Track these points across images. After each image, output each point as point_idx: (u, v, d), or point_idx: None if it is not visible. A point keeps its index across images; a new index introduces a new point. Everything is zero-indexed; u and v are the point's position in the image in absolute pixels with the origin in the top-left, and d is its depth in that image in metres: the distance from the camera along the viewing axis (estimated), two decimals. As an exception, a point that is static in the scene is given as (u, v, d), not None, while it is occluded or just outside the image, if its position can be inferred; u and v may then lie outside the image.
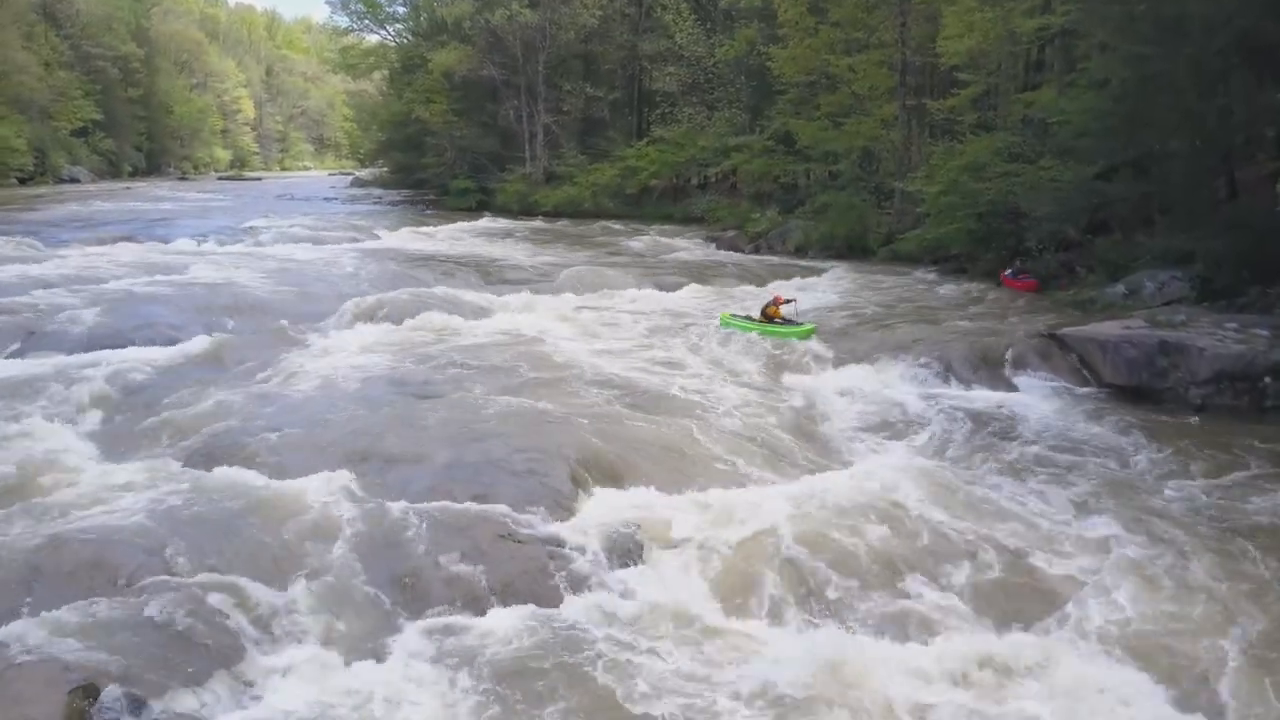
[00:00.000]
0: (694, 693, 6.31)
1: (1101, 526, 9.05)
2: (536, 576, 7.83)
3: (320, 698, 6.20)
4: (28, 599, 6.94)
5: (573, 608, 7.40)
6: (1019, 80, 27.43)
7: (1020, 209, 21.41)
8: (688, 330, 17.66)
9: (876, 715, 6.04)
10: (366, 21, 57.50)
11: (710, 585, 7.81)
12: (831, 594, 7.63)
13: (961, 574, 7.99)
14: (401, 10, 56.81)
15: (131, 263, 24.52)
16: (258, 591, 7.19)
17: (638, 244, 33.78)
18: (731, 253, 30.46)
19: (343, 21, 60.36)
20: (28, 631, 6.39)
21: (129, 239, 30.79)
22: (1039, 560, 8.34)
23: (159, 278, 21.96)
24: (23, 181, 69.18)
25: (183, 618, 6.77)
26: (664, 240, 34.71)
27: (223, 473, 9.56)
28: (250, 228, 35.75)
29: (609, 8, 48.23)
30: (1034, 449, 11.51)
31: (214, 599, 7.02)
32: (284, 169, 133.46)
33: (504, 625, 7.04)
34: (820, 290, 22.21)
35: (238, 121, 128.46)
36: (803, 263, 27.11)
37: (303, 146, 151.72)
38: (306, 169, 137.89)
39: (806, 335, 16.11)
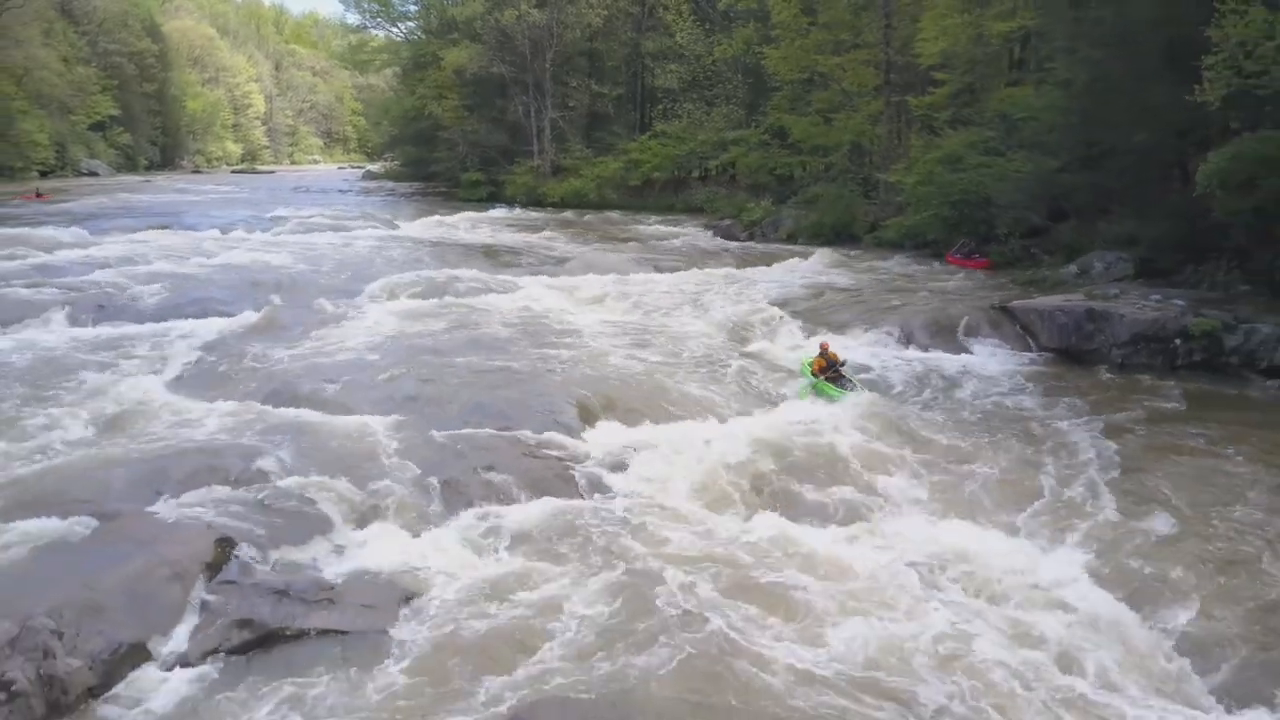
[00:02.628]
0: (670, 555, 8.36)
1: (1015, 447, 11.19)
2: (553, 480, 9.93)
3: (394, 558, 8.26)
4: (164, 489, 9.03)
5: (582, 501, 9.49)
6: (1004, 78, 29.27)
7: (990, 198, 23.39)
8: (680, 305, 19.77)
9: (805, 572, 8.07)
10: (379, 20, 59.55)
11: (684, 486, 9.87)
12: (777, 491, 9.77)
13: (885, 480, 10.12)
14: (413, 8, 58.85)
15: (172, 248, 26.61)
16: (338, 488, 9.27)
17: (640, 232, 35.87)
18: (727, 240, 32.48)
19: (355, 19, 62.46)
20: (171, 508, 8.52)
21: (163, 227, 32.83)
22: (954, 471, 10.46)
23: (201, 261, 24.08)
24: (43, 175, 71.08)
25: (283, 503, 8.89)
26: (664, 229, 36.76)
27: (294, 411, 11.74)
28: (275, 217, 37.87)
29: (613, 7, 50.25)
30: (970, 396, 13.65)
31: (306, 492, 9.12)
32: (294, 163, 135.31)
33: (530, 511, 9.13)
34: (805, 272, 24.25)
35: (248, 116, 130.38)
36: (793, 249, 29.11)
37: (312, 140, 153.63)
38: (316, 162, 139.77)
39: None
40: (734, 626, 6.89)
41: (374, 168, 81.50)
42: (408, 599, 7.43)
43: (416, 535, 8.78)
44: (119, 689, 6.17)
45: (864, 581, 7.75)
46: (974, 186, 23.82)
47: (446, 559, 8.22)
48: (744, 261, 26.71)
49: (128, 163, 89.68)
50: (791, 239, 31.08)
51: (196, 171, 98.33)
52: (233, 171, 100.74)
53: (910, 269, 24.08)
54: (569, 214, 44.89)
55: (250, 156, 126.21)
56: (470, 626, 7.01)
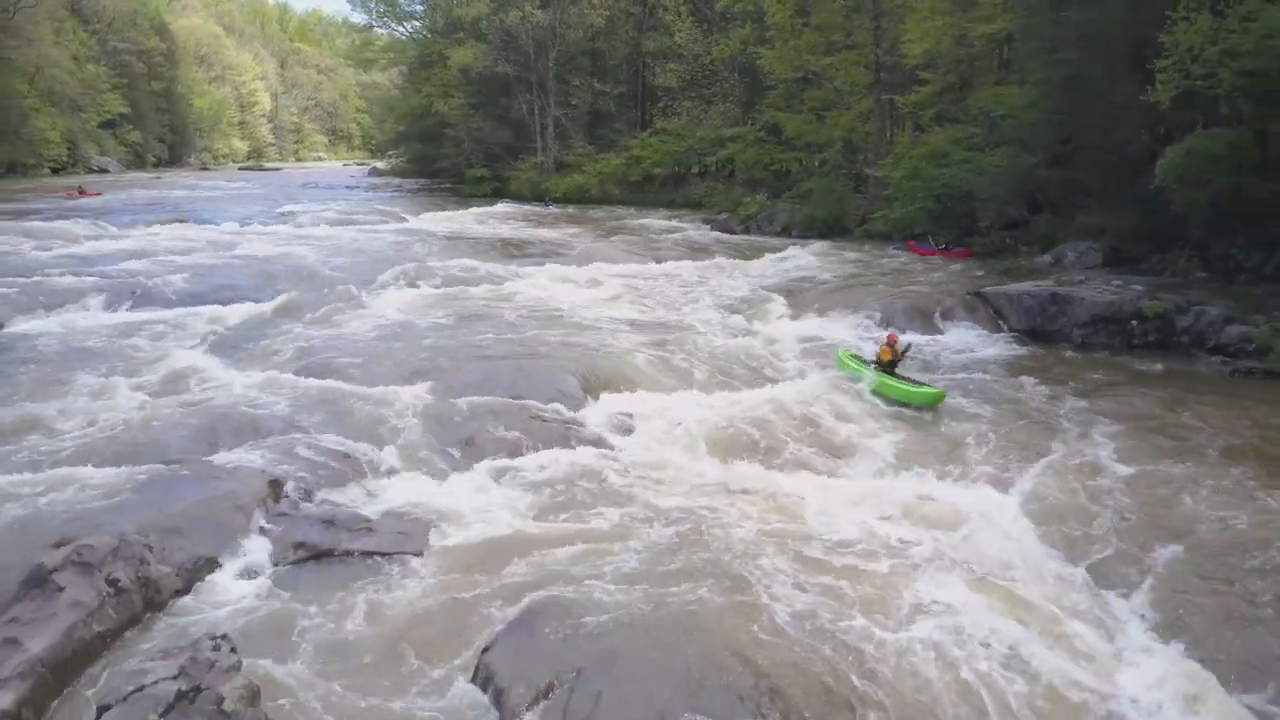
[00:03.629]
0: (658, 491, 9.61)
1: (978, 412, 12.46)
2: (559, 439, 11.16)
3: (421, 497, 9.50)
4: (217, 442, 10.34)
5: (585, 456, 10.71)
6: (992, 77, 30.39)
7: (971, 192, 24.61)
8: (676, 292, 21.01)
9: (776, 511, 9.30)
10: (386, 19, 60.79)
11: (678, 446, 11.14)
12: (760, 448, 11.03)
13: (855, 437, 11.38)
14: (419, 8, 60.08)
15: (194, 240, 27.91)
16: (369, 443, 10.58)
17: (640, 225, 37.10)
18: (723, 233, 33.74)
19: (361, 19, 63.68)
20: (227, 456, 9.79)
21: (181, 221, 34.18)
22: (919, 430, 11.72)
23: (222, 252, 25.36)
24: (55, 172, 72.36)
25: (321, 455, 10.14)
26: (663, 223, 38.01)
27: (322, 381, 13.01)
28: (287, 212, 39.12)
29: (615, 7, 51.46)
30: (942, 371, 14.89)
31: (340, 446, 10.39)
32: (298, 160, 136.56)
33: (537, 461, 10.38)
34: (796, 263, 25.48)
35: (254, 114, 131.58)
36: (786, 241, 30.35)
37: (317, 138, 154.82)
38: (320, 160, 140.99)
39: (934, 402, 12.69)
40: (708, 545, 8.13)
41: (380, 164, 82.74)
42: (434, 528, 8.67)
43: (440, 480, 10.06)
44: (198, 591, 7.41)
45: (822, 516, 8.99)
46: (957, 181, 25.03)
47: (466, 498, 9.48)
48: (738, 253, 27.94)
49: (137, 160, 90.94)
50: (785, 232, 32.31)
51: (204, 169, 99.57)
52: (240, 169, 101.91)
53: (898, 260, 25.28)
54: (572, 209, 46.13)
55: (256, 154, 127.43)
56: (487, 547, 8.27)
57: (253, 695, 5.63)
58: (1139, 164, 19.28)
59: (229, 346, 15.49)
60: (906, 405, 12.63)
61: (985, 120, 26.56)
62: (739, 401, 12.60)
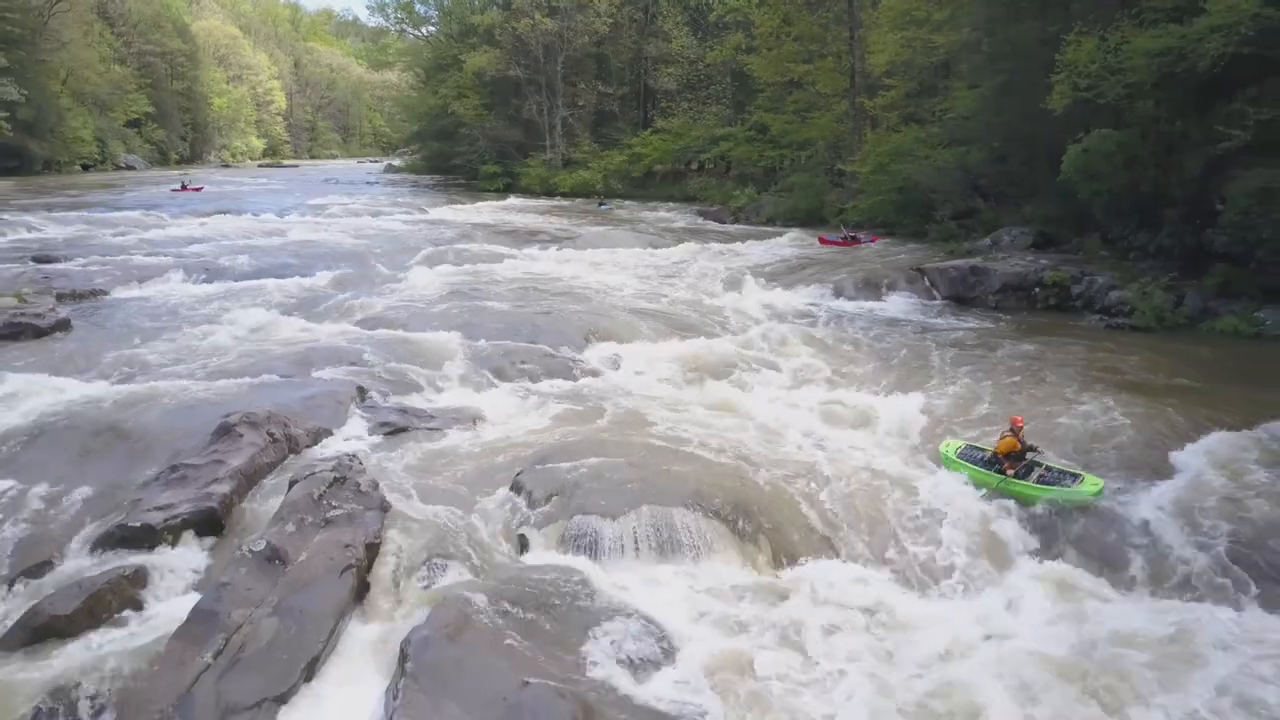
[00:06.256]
0: (642, 401, 13.12)
1: (902, 354, 15.97)
2: (565, 371, 14.69)
3: (465, 404, 13.02)
4: (311, 367, 13.89)
5: (584, 380, 14.26)
6: (947, 84, 33.71)
7: (927, 185, 28.03)
8: (666, 270, 24.54)
9: (721, 407, 12.79)
10: (403, 25, 64.47)
11: (656, 377, 14.66)
12: (715, 373, 14.55)
13: (802, 368, 14.94)
14: (434, 14, 63.77)
15: (243, 228, 31.55)
16: (423, 368, 14.13)
17: (641, 216, 40.67)
18: (715, 223, 37.31)
19: (378, 22, 67.33)
20: (321, 373, 13.35)
21: (224, 212, 37.76)
22: (853, 364, 15.25)
23: (272, 238, 28.99)
24: (86, 169, 76.23)
25: (390, 375, 13.73)
26: (662, 214, 41.60)
27: (379, 331, 16.55)
28: (317, 205, 42.82)
29: (618, 15, 55.04)
30: (878, 326, 18.38)
31: (403, 370, 13.96)
32: (312, 157, 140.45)
33: (549, 385, 13.93)
34: (775, 247, 28.98)
35: (270, 112, 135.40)
36: (770, 229, 33.85)
37: (330, 135, 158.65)
38: (334, 157, 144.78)
39: (1096, 496, 9.63)
40: (680, 435, 11.65)
41: (396, 161, 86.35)
42: (476, 419, 12.20)
43: (479, 392, 13.63)
44: (322, 446, 10.95)
45: (780, 421, 12.47)
46: (916, 175, 28.42)
47: (499, 403, 13.06)
48: (726, 239, 31.47)
49: (161, 157, 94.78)
50: (770, 221, 35.79)
51: (225, 165, 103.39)
52: (259, 166, 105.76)
53: (879, 245, 28.74)
54: (579, 201, 49.69)
55: (272, 151, 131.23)
56: (515, 427, 11.84)
57: (375, 484, 9.16)
58: (1057, 161, 22.69)
59: (296, 308, 19.06)
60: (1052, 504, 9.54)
61: (939, 121, 29.93)
62: (706, 346, 16.13)
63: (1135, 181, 19.64)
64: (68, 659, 7.03)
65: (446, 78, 58.45)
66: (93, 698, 6.76)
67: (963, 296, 20.09)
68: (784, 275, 23.63)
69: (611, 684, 6.91)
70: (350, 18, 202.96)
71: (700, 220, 38.61)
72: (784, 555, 8.91)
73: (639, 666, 7.21)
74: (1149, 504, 9.56)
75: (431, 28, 64.82)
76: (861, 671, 7.24)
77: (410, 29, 65.48)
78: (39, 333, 15.77)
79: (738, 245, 29.50)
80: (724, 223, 37.35)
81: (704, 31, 51.31)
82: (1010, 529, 9.40)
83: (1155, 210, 20.04)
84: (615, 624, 7.58)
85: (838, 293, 21.27)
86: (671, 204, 47.11)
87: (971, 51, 25.48)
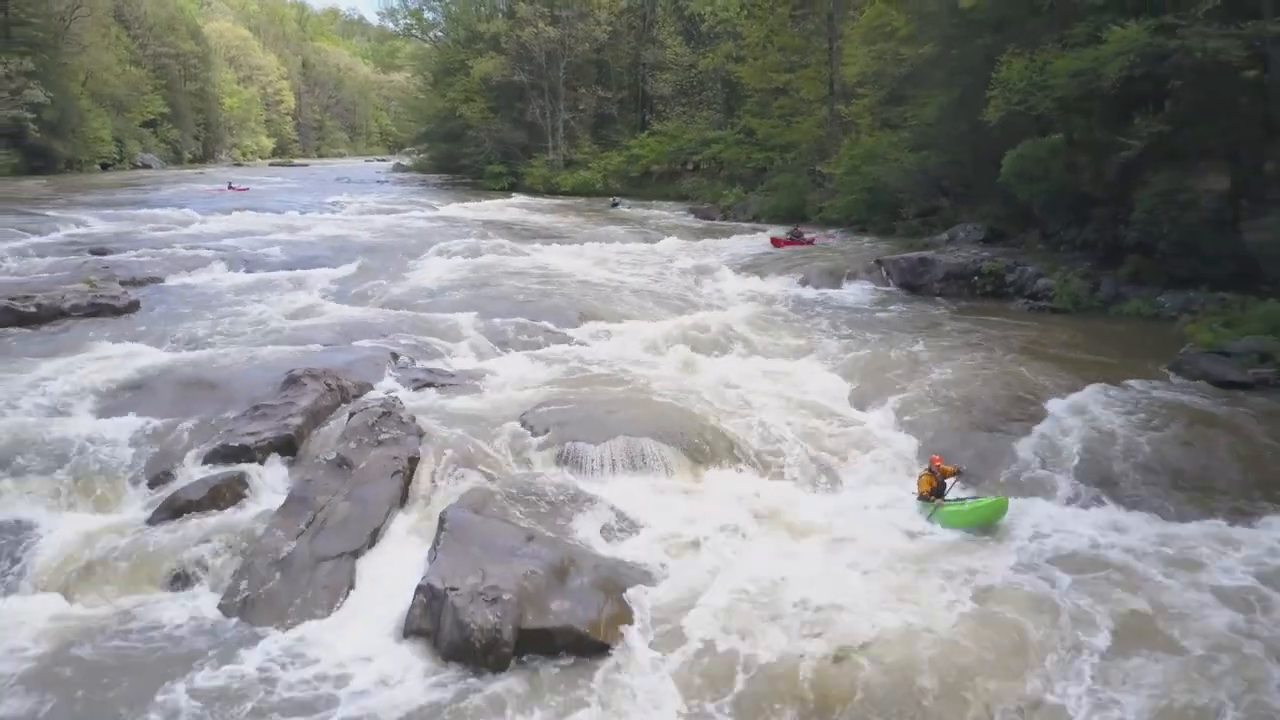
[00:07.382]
0: (619, 368, 15.89)
1: (853, 333, 18.75)
2: (563, 343, 17.49)
3: (479, 367, 15.82)
4: (350, 339, 16.69)
5: (579, 350, 17.06)
6: (913, 93, 36.23)
7: (894, 185, 30.79)
8: (653, 262, 27.35)
9: (701, 386, 15.57)
10: (412, 31, 67.32)
11: (637, 345, 17.46)
12: (695, 344, 17.32)
13: (765, 344, 17.72)
14: (442, 21, 66.63)
15: (270, 224, 34.39)
16: (443, 340, 16.92)
17: (636, 214, 43.48)
18: (705, 220, 40.17)
19: (389, 26, 70.24)
20: (359, 343, 16.16)
21: (247, 210, 40.54)
22: (809, 341, 18.04)
23: (298, 233, 31.84)
24: (104, 168, 79.05)
25: (416, 344, 16.52)
26: (657, 212, 44.46)
27: (403, 311, 19.38)
28: (334, 202, 45.62)
29: (618, 23, 57.90)
30: (835, 309, 21.18)
31: (427, 341, 16.75)
32: (320, 156, 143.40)
33: (549, 351, 16.73)
34: (756, 243, 31.77)
35: (279, 111, 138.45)
36: (755, 226, 36.66)
37: (338, 134, 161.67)
38: (342, 155, 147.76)
39: (1000, 513, 10.43)
40: (651, 389, 14.45)
41: (404, 161, 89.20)
42: (488, 376, 14.99)
43: (490, 359, 16.42)
44: (365, 395, 13.74)
45: (735, 380, 15.24)
46: (885, 177, 31.18)
47: (507, 365, 15.84)
48: (712, 234, 34.30)
49: (175, 156, 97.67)
50: (756, 219, 38.61)
51: (237, 164, 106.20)
52: (270, 165, 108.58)
53: (836, 240, 31.53)
54: (580, 200, 52.52)
55: (281, 150, 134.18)
56: (519, 384, 14.62)
57: (413, 418, 11.94)
58: (999, 166, 25.46)
59: (330, 294, 21.86)
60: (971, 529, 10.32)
61: (909, 128, 32.65)
62: (678, 324, 18.91)
63: (1065, 184, 22.37)
64: (202, 528, 9.82)
65: (454, 82, 61.33)
66: (219, 554, 9.56)
67: (912, 284, 22.84)
68: (758, 266, 26.43)
69: (590, 545, 9.71)
70: (356, 17, 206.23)
71: (692, 218, 41.45)
72: (721, 471, 11.72)
73: (611, 536, 10.03)
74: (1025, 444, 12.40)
75: (439, 33, 67.68)
76: (766, 543, 10.07)
77: (419, 34, 68.34)
78: (116, 311, 18.58)
79: (722, 240, 32.30)
80: (713, 220, 40.17)
81: (697, 40, 54.27)
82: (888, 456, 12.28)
83: (1085, 209, 22.76)
84: (595, 511, 10.40)
85: (804, 281, 24.04)
86: (667, 202, 49.92)
87: (933, 65, 28.14)
